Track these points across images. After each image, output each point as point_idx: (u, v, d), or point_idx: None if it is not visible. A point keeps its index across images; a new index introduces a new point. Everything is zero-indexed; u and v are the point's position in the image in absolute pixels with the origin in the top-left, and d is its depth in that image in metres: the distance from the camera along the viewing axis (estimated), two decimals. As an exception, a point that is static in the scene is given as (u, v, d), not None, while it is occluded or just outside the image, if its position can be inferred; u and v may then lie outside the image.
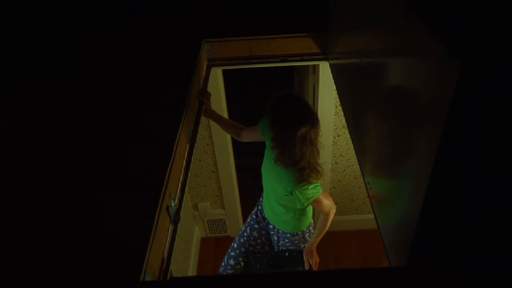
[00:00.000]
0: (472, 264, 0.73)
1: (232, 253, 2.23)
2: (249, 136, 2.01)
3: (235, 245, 2.24)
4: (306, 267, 2.01)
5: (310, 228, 2.08)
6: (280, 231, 2.07)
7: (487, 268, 0.73)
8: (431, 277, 0.74)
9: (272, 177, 1.92)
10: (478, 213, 0.70)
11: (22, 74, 1.47)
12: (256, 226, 2.19)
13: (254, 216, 2.21)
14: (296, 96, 1.78)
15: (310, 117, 1.68)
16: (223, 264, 2.26)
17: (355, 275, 0.73)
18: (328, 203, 1.86)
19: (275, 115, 1.71)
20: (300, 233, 2.05)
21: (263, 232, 2.20)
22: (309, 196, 1.79)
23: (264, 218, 2.16)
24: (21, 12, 1.82)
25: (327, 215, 1.89)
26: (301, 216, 1.97)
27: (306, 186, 1.75)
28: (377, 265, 2.69)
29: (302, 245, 2.09)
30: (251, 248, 2.21)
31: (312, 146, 1.70)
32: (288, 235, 2.05)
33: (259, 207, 2.20)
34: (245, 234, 2.22)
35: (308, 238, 2.08)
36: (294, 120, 1.66)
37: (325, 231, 1.95)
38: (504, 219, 0.71)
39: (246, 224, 2.24)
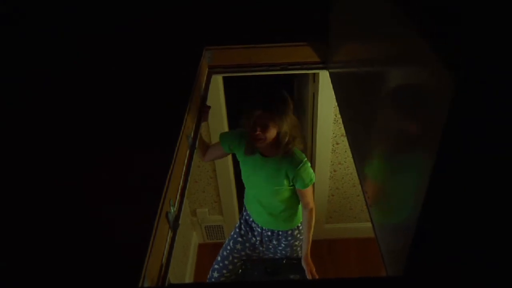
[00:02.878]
0: (471, 273, 0.74)
1: (216, 266, 2.24)
2: (211, 155, 2.03)
3: (219, 258, 2.24)
4: (308, 276, 1.99)
5: (300, 227, 2.11)
6: (280, 233, 2.08)
7: (486, 277, 0.73)
8: (429, 286, 0.74)
9: (264, 178, 1.93)
10: (477, 222, 0.71)
11: (22, 74, 1.47)
12: (239, 239, 2.19)
13: (237, 230, 2.21)
14: (273, 90, 1.90)
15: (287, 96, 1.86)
16: (208, 277, 2.27)
17: (350, 285, 0.74)
18: (312, 197, 1.97)
19: (285, 111, 1.82)
20: (300, 225, 2.09)
21: (247, 245, 2.19)
22: (312, 176, 1.89)
23: (248, 231, 2.16)
24: (21, 11, 1.83)
25: (311, 209, 1.95)
26: (298, 210, 2.04)
27: (306, 165, 1.86)
28: (375, 273, 2.68)
29: (298, 242, 2.10)
30: (235, 261, 2.21)
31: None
32: (289, 231, 2.08)
33: (242, 221, 2.20)
34: (228, 247, 2.22)
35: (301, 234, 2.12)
36: (291, 106, 1.84)
37: (312, 230, 2.00)
38: (505, 227, 0.71)
39: (230, 238, 2.25)
